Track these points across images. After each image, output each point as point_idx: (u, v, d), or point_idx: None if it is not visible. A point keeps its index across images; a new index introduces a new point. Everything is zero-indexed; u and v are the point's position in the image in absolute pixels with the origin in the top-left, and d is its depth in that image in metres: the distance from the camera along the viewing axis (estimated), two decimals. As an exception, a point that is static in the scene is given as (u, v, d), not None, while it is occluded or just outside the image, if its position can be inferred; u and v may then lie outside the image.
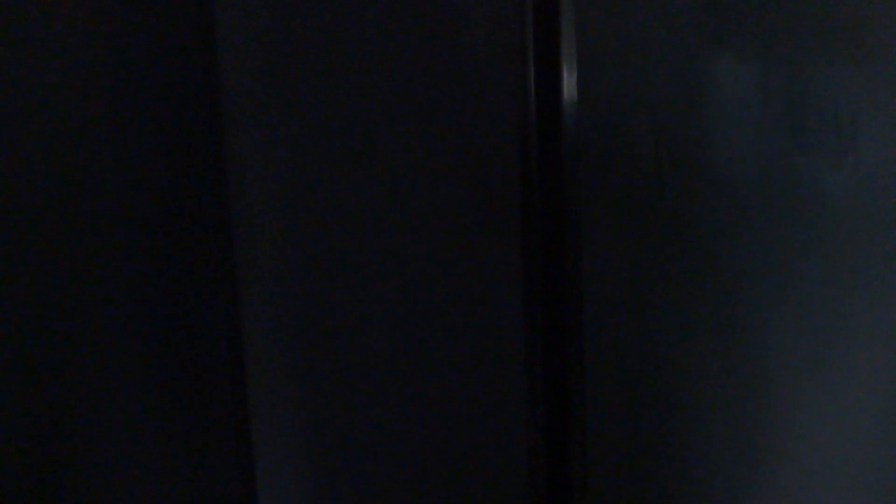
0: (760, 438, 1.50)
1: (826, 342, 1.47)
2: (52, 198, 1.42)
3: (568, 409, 1.50)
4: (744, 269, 1.46)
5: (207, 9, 1.42)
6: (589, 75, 1.44)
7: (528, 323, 1.47)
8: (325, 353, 1.51)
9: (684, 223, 1.46)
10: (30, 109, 1.40)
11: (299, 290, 1.50)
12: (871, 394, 1.47)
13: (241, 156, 1.46)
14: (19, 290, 1.43)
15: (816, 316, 1.46)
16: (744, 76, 1.42)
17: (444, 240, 1.47)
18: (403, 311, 1.49)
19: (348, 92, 1.45)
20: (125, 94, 1.42)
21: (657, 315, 1.48)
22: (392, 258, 1.48)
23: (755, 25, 1.41)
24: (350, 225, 1.48)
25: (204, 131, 1.45)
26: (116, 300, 1.45)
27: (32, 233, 1.43)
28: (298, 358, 1.51)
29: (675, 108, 1.44)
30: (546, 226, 1.47)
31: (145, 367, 1.47)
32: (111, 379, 1.47)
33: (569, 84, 1.44)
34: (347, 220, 1.47)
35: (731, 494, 1.52)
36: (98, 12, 1.40)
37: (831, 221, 1.44)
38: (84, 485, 1.48)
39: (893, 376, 1.47)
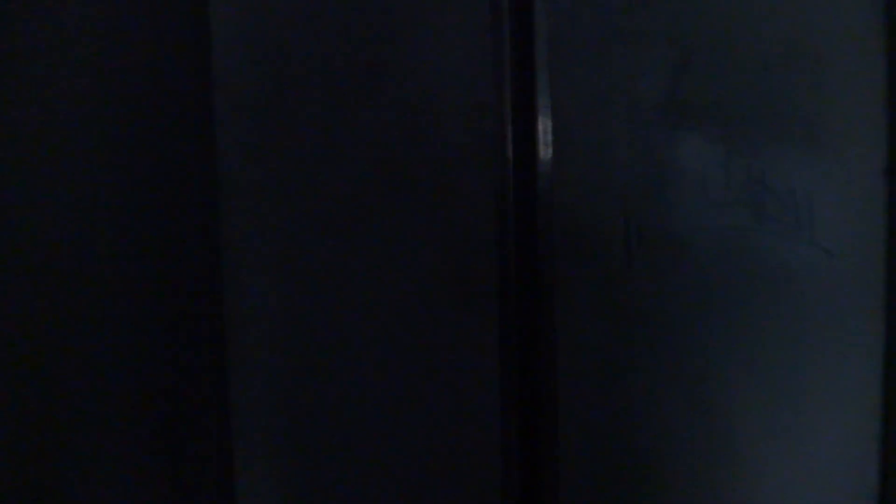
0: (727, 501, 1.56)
1: (787, 407, 1.54)
2: (39, 200, 1.44)
3: (542, 477, 1.55)
4: (709, 338, 1.54)
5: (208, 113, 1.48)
6: (563, 157, 1.53)
7: (503, 389, 1.52)
8: (309, 362, 1.52)
9: (652, 294, 1.54)
10: (23, 110, 1.43)
11: (290, 342, 1.53)
12: (831, 458, 1.55)
13: (238, 232, 1.50)
14: (7, 292, 1.44)
15: (778, 382, 1.54)
16: (706, 158, 1.53)
17: (425, 309, 1.52)
18: (383, 382, 1.53)
19: (340, 178, 1.51)
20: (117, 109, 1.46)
21: (627, 383, 1.55)
22: (374, 330, 1.52)
23: (716, 113, 1.52)
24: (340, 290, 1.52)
25: (201, 202, 1.50)
26: (102, 305, 1.46)
27: (20, 236, 1.45)
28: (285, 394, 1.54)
29: (642, 187, 1.53)
30: (521, 299, 1.54)
31: (130, 368, 1.47)
32: (94, 380, 1.47)
33: (543, 165, 1.53)
34: (338, 286, 1.52)
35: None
36: (96, 16, 1.45)
37: (791, 292, 1.53)
38: (63, 483, 1.48)
39: (853, 441, 1.55)
